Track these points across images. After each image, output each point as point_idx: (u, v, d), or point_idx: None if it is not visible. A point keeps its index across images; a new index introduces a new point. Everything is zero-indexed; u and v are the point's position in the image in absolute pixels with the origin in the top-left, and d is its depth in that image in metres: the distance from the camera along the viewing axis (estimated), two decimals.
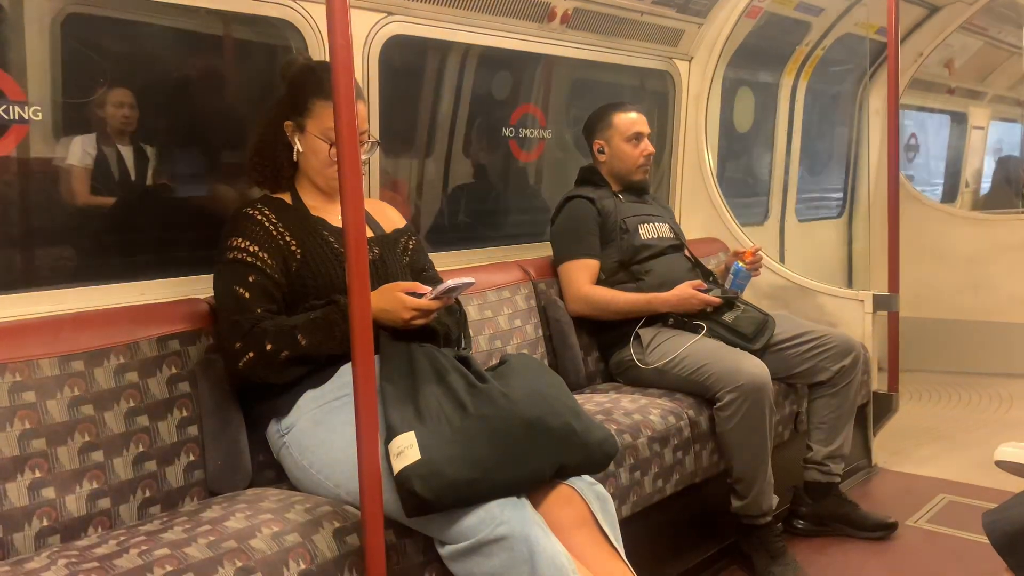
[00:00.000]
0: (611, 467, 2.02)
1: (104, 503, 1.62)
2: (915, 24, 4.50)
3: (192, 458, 1.77)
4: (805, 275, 3.29)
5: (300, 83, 1.91)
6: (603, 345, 2.73)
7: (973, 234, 4.58)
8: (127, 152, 2.06)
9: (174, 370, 1.78)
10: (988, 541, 1.46)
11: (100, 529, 1.60)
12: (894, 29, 3.14)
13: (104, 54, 2.00)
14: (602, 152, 2.83)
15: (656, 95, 3.53)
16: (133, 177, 2.09)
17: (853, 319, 3.08)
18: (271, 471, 1.87)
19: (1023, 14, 4.90)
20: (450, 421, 1.55)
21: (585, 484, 1.65)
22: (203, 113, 2.24)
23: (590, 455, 1.67)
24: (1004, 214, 5.09)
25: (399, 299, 1.72)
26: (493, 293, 2.55)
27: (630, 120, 2.80)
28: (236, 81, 2.33)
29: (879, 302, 3.07)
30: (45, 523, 1.53)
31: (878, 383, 3.16)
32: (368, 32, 2.35)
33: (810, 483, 2.65)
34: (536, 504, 1.58)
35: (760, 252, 2.78)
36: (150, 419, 1.72)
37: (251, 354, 1.73)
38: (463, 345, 1.98)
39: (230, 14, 2.12)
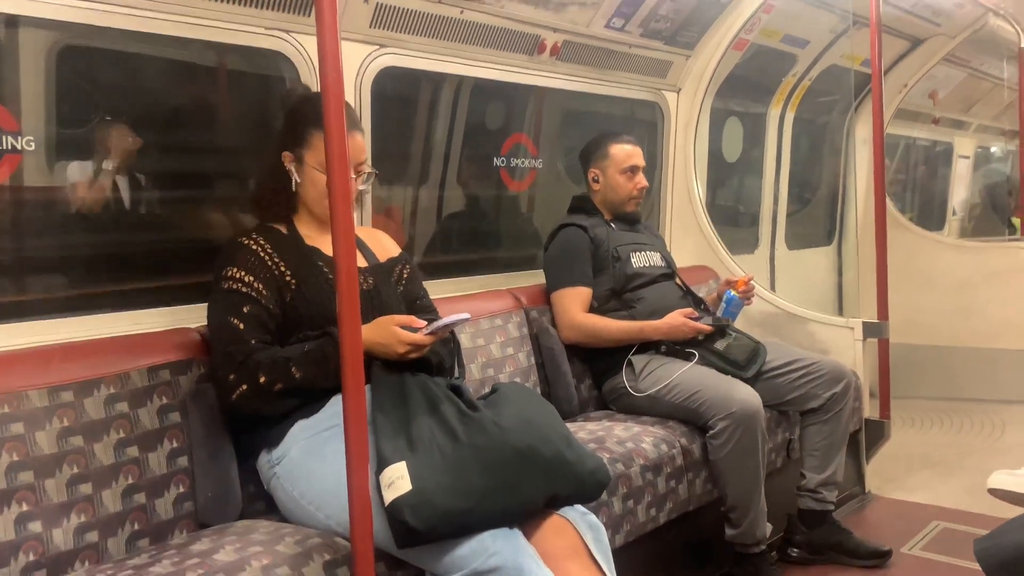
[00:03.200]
0: (604, 496, 2.01)
1: (92, 536, 1.59)
2: (899, 56, 4.58)
3: (182, 489, 1.75)
4: (796, 303, 3.30)
5: (298, 114, 1.91)
6: (596, 372, 2.73)
7: (962, 261, 4.62)
8: (121, 182, 2.07)
9: (164, 400, 1.77)
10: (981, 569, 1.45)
11: (87, 563, 1.58)
12: (878, 61, 3.20)
13: (99, 85, 2.02)
14: (596, 181, 2.85)
15: (646, 125, 3.57)
16: (127, 207, 2.10)
17: (844, 346, 3.09)
18: (262, 502, 1.85)
19: (1004, 47, 4.99)
20: (442, 451, 1.55)
21: (578, 514, 1.64)
22: (197, 143, 2.25)
23: (582, 484, 1.66)
24: (991, 241, 5.14)
25: (394, 333, 1.72)
26: (486, 321, 2.55)
27: (626, 153, 2.82)
28: (230, 111, 2.35)
29: (869, 329, 3.09)
30: (31, 557, 1.51)
31: (870, 410, 3.17)
32: (360, 64, 2.38)
33: (804, 511, 2.65)
34: (528, 534, 1.57)
35: (753, 281, 2.80)
36: (140, 450, 1.70)
37: (244, 386, 1.72)
38: (456, 374, 1.97)
39: (223, 45, 2.14)
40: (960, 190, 6.65)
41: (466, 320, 1.77)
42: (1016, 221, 5.72)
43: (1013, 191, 6.10)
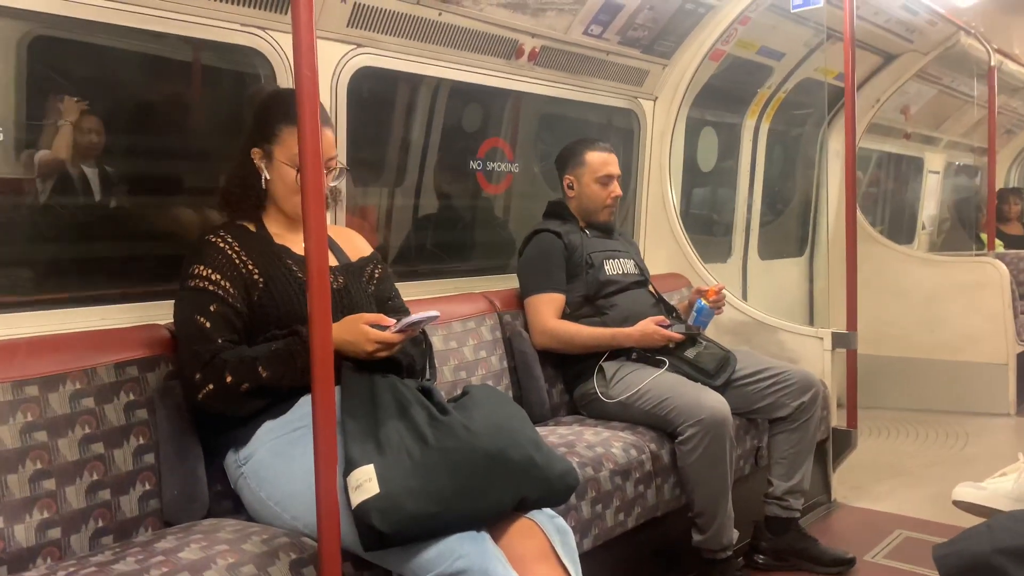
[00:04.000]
0: (572, 500, 2.02)
1: (54, 533, 1.57)
2: (872, 71, 4.66)
3: (148, 487, 1.73)
4: (767, 312, 3.34)
5: (267, 110, 1.91)
6: (567, 378, 2.74)
7: (930, 274, 4.69)
8: (91, 174, 2.05)
9: (132, 397, 1.75)
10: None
11: (49, 560, 1.55)
12: (851, 75, 3.25)
13: (70, 77, 1.99)
14: (571, 188, 2.87)
15: (622, 132, 3.59)
16: (96, 200, 2.07)
17: (813, 356, 3.12)
18: (228, 501, 1.84)
19: (974, 64, 5.10)
20: (410, 454, 1.54)
21: (546, 517, 1.65)
22: (169, 137, 2.23)
23: (551, 488, 1.66)
24: (959, 256, 5.24)
25: (362, 331, 1.71)
26: (459, 324, 2.55)
27: (602, 160, 2.83)
28: (202, 107, 2.34)
29: (838, 339, 3.12)
30: None
31: (837, 419, 3.20)
32: (337, 63, 2.38)
33: (770, 518, 2.67)
34: (496, 537, 1.57)
35: (724, 291, 2.82)
36: (105, 446, 1.68)
37: (211, 386, 1.70)
38: (427, 376, 1.97)
39: (198, 41, 2.12)
40: (930, 204, 6.77)
41: (435, 318, 1.75)
42: (984, 236, 5.83)
43: (981, 207, 6.22)
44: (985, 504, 1.97)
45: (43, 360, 1.66)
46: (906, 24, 4.22)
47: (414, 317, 1.72)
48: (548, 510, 1.67)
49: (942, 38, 4.54)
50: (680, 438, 2.37)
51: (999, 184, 6.38)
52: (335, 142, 2.07)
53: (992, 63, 4.98)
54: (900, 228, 6.49)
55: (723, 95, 3.92)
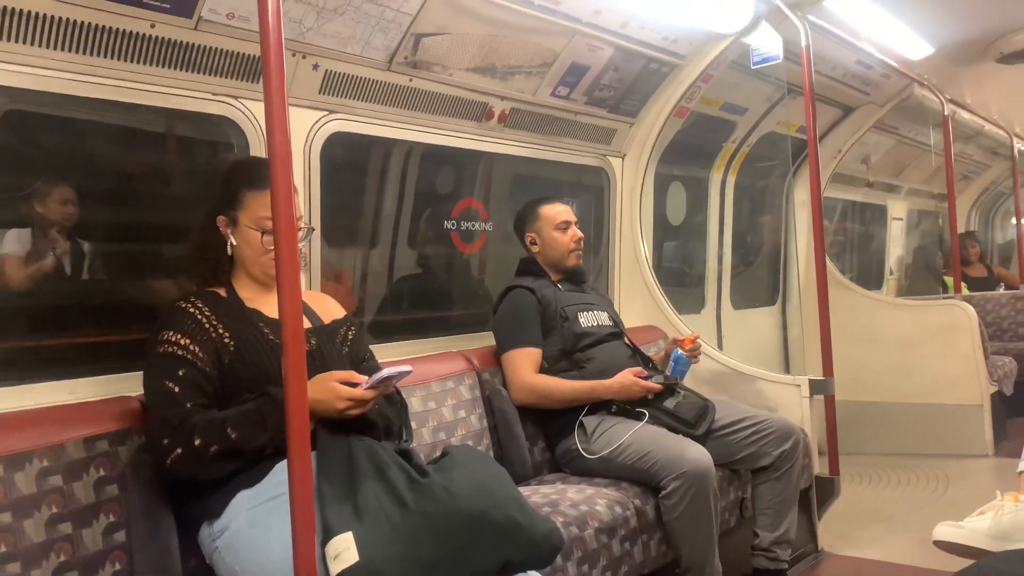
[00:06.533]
0: (558, 561, 1.98)
1: None
2: (832, 123, 4.80)
3: (118, 567, 1.67)
4: (743, 361, 3.35)
5: (231, 177, 1.94)
6: (548, 434, 2.72)
7: (900, 319, 4.75)
8: (62, 247, 2.03)
9: (102, 472, 1.70)
10: None
11: None
12: (812, 128, 3.34)
13: (43, 150, 1.99)
14: (535, 243, 2.91)
15: (593, 189, 3.65)
16: (68, 272, 2.05)
17: (791, 403, 3.12)
18: None
19: (929, 115, 5.27)
20: (390, 519, 1.52)
21: None
22: (142, 209, 2.23)
23: (536, 549, 1.64)
24: (927, 300, 5.32)
25: (333, 388, 1.69)
26: (437, 384, 2.53)
27: (556, 211, 2.90)
28: (175, 177, 2.34)
29: (815, 386, 3.13)
30: None
31: (819, 467, 3.20)
32: (309, 129, 2.40)
33: (758, 570, 2.64)
34: None
35: (699, 340, 2.84)
36: (74, 526, 1.63)
37: (179, 450, 1.66)
38: (404, 437, 1.94)
39: (171, 111, 2.14)
40: (895, 250, 6.90)
41: (407, 373, 1.73)
42: (948, 280, 5.94)
43: (944, 251, 6.35)
44: (964, 543, 1.97)
45: (8, 438, 1.61)
46: (862, 78, 4.37)
47: (385, 372, 1.70)
48: (534, 573, 1.64)
49: (896, 90, 4.70)
50: (664, 492, 2.35)
51: (960, 228, 6.52)
52: (299, 203, 2.08)
53: (946, 113, 5.15)
54: (869, 274, 6.60)
55: (689, 150, 4.01)
